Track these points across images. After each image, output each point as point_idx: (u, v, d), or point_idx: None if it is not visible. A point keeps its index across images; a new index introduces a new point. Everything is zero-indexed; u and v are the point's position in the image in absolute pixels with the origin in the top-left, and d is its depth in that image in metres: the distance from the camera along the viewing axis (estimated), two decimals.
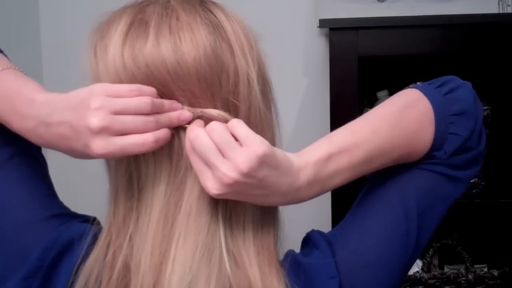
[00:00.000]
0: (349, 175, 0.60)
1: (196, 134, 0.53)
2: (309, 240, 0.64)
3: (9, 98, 0.59)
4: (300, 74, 1.51)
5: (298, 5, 1.49)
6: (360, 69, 1.24)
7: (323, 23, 1.28)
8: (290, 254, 0.62)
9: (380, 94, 1.42)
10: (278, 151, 0.55)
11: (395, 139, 0.61)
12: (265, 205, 0.58)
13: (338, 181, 0.60)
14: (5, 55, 0.68)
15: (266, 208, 0.60)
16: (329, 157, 0.58)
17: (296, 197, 0.58)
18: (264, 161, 0.53)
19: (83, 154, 0.54)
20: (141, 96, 0.53)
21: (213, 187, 0.53)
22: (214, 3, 0.60)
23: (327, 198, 1.25)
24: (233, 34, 0.58)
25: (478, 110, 0.65)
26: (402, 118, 0.62)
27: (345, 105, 1.25)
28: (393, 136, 0.61)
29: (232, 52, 0.57)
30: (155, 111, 0.54)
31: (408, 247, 0.62)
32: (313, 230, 0.65)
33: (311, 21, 1.48)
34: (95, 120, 0.51)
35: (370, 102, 1.43)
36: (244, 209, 0.59)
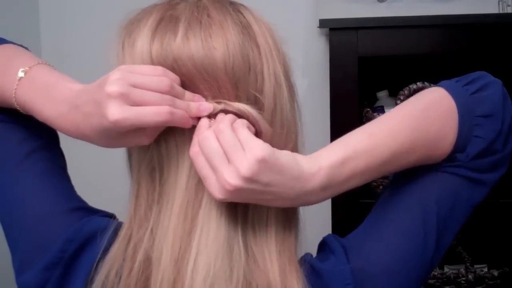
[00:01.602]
0: (364, 178, 0.59)
1: (205, 136, 0.54)
2: (325, 245, 0.64)
3: (45, 88, 0.60)
4: (300, 74, 1.51)
5: (298, 5, 1.49)
6: (360, 69, 1.24)
7: (323, 23, 1.28)
8: (306, 258, 0.62)
9: (380, 94, 1.42)
10: (283, 156, 0.54)
11: (414, 142, 0.59)
12: (272, 206, 0.58)
13: (352, 184, 0.59)
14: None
15: (289, 209, 0.60)
16: (344, 161, 0.57)
17: (306, 201, 0.58)
18: (265, 166, 0.52)
19: (100, 129, 0.54)
20: (162, 77, 0.54)
21: (217, 193, 0.53)
22: (243, 5, 0.61)
23: None
24: (262, 36, 0.59)
25: (507, 111, 0.62)
26: (423, 120, 0.60)
27: (345, 105, 1.25)
28: (413, 139, 0.59)
29: (259, 52, 0.58)
30: (173, 94, 0.54)
31: (426, 253, 0.62)
32: (329, 235, 0.65)
33: (311, 21, 1.48)
34: (113, 86, 0.52)
35: (370, 102, 1.43)
36: (267, 208, 0.59)
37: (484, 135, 0.60)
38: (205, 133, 0.54)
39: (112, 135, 0.54)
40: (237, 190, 0.53)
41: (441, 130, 0.60)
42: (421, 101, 0.62)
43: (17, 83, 0.61)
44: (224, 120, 0.55)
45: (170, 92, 0.54)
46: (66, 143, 0.70)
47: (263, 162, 0.52)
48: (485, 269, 1.39)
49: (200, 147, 0.54)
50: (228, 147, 0.53)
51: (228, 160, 0.53)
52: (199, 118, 0.56)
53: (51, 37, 1.58)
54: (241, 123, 0.55)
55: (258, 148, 0.52)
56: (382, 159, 0.58)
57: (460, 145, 0.60)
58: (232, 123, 0.55)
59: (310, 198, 0.57)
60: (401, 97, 1.26)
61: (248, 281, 0.56)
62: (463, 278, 1.36)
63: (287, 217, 0.60)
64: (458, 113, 0.60)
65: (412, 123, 0.60)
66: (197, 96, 0.56)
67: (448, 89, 0.62)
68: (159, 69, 0.55)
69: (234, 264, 0.56)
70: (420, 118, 0.60)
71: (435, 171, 0.62)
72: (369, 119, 1.32)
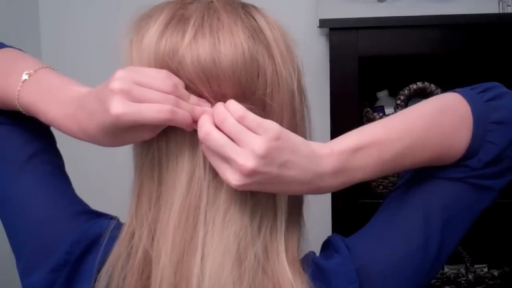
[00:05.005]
0: (377, 170, 0.59)
1: (205, 131, 0.54)
2: (330, 244, 0.64)
3: (51, 90, 0.61)
4: None
5: (298, 5, 1.49)
6: (360, 69, 1.24)
7: (323, 23, 1.28)
8: (310, 256, 0.62)
9: (380, 94, 1.42)
10: (294, 135, 0.55)
11: (428, 140, 0.60)
12: (286, 194, 0.58)
13: (365, 175, 0.59)
14: None
15: (294, 211, 0.60)
16: (357, 149, 0.57)
17: (320, 186, 0.57)
18: (278, 144, 0.52)
19: (103, 126, 0.54)
20: (166, 79, 0.54)
21: (233, 178, 0.53)
22: (256, 9, 0.61)
23: (327, 196, 1.25)
24: (273, 41, 0.58)
25: None
26: (438, 119, 0.61)
27: (345, 105, 1.25)
28: (427, 136, 0.60)
29: (270, 57, 0.57)
30: (177, 96, 0.54)
31: (427, 257, 0.62)
32: (334, 234, 0.65)
33: (311, 21, 1.48)
34: (117, 83, 0.52)
35: (370, 102, 1.43)
36: (275, 212, 0.58)
37: (496, 141, 0.61)
38: (204, 127, 0.54)
39: (115, 132, 0.54)
40: (254, 173, 0.52)
41: (456, 132, 0.61)
42: (438, 103, 0.63)
43: (20, 85, 0.61)
44: (222, 109, 0.55)
45: (174, 93, 0.54)
46: (69, 144, 0.71)
47: (276, 140, 0.52)
48: (485, 269, 1.40)
49: (206, 144, 0.54)
50: (235, 133, 0.53)
51: (238, 143, 0.53)
52: None
53: (51, 37, 1.58)
54: (243, 109, 0.54)
55: (271, 125, 0.53)
56: (395, 152, 0.59)
57: (473, 149, 0.61)
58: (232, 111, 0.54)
59: (323, 182, 0.57)
60: (401, 97, 1.26)
61: (257, 285, 0.56)
62: (463, 278, 1.36)
63: (290, 219, 0.60)
64: (473, 117, 0.61)
65: (428, 122, 0.60)
66: (202, 100, 0.56)
67: (463, 94, 0.63)
68: (164, 72, 0.55)
69: (243, 267, 0.56)
70: (436, 118, 0.61)
71: (442, 177, 0.63)
72: (369, 119, 1.32)
